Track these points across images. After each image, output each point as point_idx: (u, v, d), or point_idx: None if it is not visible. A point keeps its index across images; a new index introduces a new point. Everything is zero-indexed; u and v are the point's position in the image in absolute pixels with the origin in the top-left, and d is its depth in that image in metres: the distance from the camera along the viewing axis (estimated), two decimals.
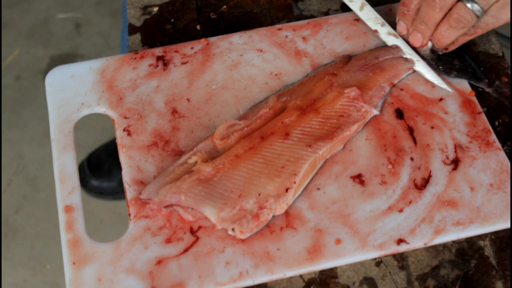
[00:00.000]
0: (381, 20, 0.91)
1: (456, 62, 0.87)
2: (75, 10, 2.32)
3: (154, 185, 0.79)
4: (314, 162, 0.79)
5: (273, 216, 0.76)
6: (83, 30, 2.25)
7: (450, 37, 0.83)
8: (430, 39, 0.86)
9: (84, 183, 1.83)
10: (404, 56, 0.88)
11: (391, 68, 0.87)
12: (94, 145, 1.82)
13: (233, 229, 0.74)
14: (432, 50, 0.87)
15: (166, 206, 0.77)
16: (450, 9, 0.81)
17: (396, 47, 0.88)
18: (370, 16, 0.91)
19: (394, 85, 0.87)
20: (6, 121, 2.04)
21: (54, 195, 1.79)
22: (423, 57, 0.87)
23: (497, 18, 0.81)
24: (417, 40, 0.86)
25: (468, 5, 0.80)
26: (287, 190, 0.76)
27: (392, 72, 0.87)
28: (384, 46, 0.90)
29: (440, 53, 0.88)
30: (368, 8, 0.91)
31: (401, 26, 0.88)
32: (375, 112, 0.83)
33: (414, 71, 0.87)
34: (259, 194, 0.76)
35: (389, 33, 0.90)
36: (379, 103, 0.84)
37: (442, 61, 0.87)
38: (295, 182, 0.77)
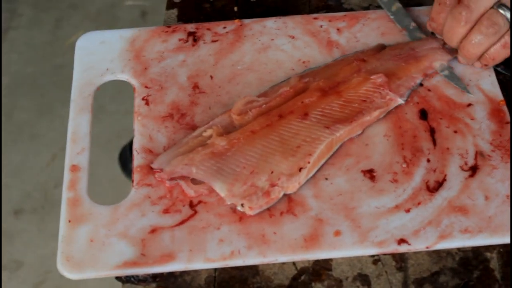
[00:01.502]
0: (411, 21, 0.90)
1: None
2: None
3: (166, 155, 0.78)
4: (331, 144, 0.77)
5: (283, 194, 0.74)
6: (148, 18, 2.28)
7: (480, 46, 0.79)
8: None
9: (125, 166, 1.85)
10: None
11: (427, 58, 0.85)
12: None
13: (242, 205, 0.73)
14: None
15: (171, 179, 0.76)
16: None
17: (434, 39, 0.86)
18: (399, 16, 0.90)
19: (427, 75, 0.85)
20: (61, 97, 2.08)
21: (96, 175, 1.82)
22: None
23: None
24: None
25: (501, 11, 0.77)
26: (300, 169, 0.74)
27: (427, 62, 0.84)
28: (423, 39, 0.87)
29: None
30: (399, 7, 0.90)
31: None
32: (400, 101, 0.81)
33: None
34: (272, 172, 0.74)
35: (418, 34, 0.89)
36: (406, 93, 0.82)
37: None
38: (309, 162, 0.75)
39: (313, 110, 0.79)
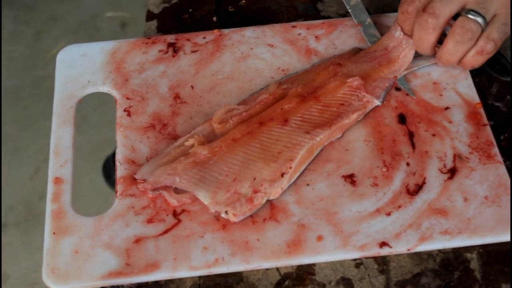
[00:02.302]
0: (367, 17, 0.91)
1: None
2: (124, 9, 2.36)
3: (149, 166, 0.78)
4: (311, 149, 0.78)
5: (266, 201, 0.75)
6: (128, 29, 2.29)
7: (457, 53, 0.80)
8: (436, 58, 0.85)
9: (108, 176, 1.85)
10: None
11: (398, 59, 0.86)
12: None
13: (226, 212, 0.74)
14: None
15: (153, 190, 0.76)
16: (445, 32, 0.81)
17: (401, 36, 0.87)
18: (357, 11, 0.91)
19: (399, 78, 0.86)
20: (43, 110, 2.08)
21: (80, 186, 1.82)
22: None
23: (504, 32, 0.79)
24: None
25: (470, 16, 0.78)
26: (282, 175, 0.76)
27: (399, 63, 0.86)
28: (389, 34, 0.88)
29: None
30: (358, 2, 0.91)
31: None
32: (377, 102, 0.83)
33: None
34: (254, 179, 0.75)
35: (372, 31, 0.90)
36: (381, 94, 0.83)
37: None
38: (291, 168, 0.76)
39: (293, 116, 0.80)
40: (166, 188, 0.76)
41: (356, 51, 0.88)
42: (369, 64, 0.86)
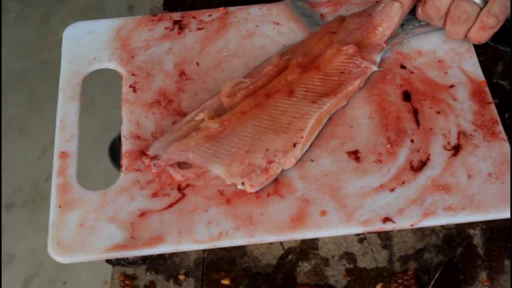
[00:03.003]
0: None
1: None
2: None
3: (161, 142, 0.79)
4: (320, 117, 0.79)
5: (282, 170, 0.76)
6: (135, 12, 2.28)
7: (458, 33, 0.82)
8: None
9: (115, 158, 1.86)
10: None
11: (382, 23, 0.86)
12: None
13: (242, 183, 0.74)
14: None
15: (157, 165, 0.76)
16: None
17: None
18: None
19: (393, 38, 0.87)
20: (50, 92, 2.09)
21: (86, 168, 1.82)
22: None
23: (505, 6, 0.79)
24: None
25: None
26: (295, 145, 0.76)
27: (383, 28, 0.86)
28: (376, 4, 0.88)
29: None
30: None
31: None
32: (374, 68, 0.83)
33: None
34: (267, 149, 0.76)
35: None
36: (377, 60, 0.84)
37: None
38: (302, 137, 0.77)
39: (298, 87, 0.81)
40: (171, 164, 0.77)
41: (341, 19, 0.89)
42: (359, 32, 0.86)
